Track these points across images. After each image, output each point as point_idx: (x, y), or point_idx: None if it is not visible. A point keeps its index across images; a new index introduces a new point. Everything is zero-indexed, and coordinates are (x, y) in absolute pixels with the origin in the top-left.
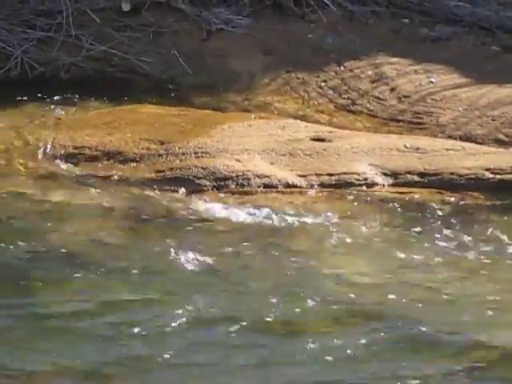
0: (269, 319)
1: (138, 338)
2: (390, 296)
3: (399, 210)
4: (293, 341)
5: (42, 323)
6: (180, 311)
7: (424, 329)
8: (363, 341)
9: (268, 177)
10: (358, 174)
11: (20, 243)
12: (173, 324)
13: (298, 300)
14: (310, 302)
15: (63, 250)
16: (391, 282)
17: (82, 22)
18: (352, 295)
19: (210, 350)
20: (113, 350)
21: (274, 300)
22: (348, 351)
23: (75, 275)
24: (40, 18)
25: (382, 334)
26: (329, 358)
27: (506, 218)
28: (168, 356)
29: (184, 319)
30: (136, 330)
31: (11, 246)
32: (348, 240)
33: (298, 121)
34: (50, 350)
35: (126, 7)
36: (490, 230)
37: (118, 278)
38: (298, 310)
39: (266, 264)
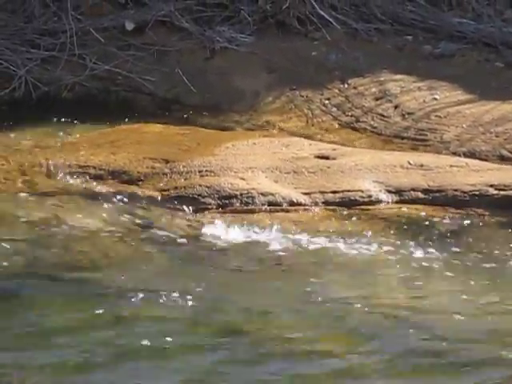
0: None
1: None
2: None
3: (404, 227)
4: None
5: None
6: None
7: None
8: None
9: (272, 195)
10: (363, 192)
11: (21, 262)
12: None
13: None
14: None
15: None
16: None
17: (85, 42)
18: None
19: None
20: None
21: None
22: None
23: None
24: (44, 37)
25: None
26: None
27: (511, 233)
28: None
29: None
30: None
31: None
32: (353, 259)
33: (302, 139)
34: None
35: (129, 26)
36: (495, 246)
37: (120, 296)
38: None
39: (268, 284)
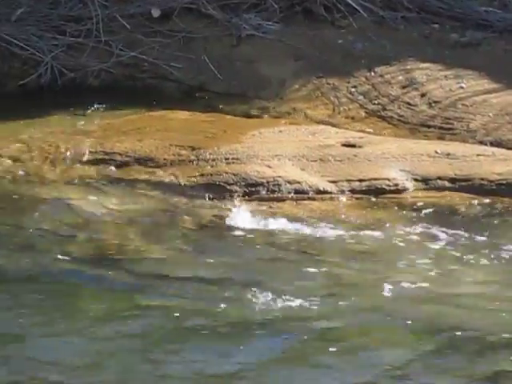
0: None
1: None
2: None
3: (430, 215)
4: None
5: None
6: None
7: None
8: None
9: (299, 183)
10: (389, 180)
11: (55, 248)
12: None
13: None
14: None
15: (93, 254)
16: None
17: (111, 28)
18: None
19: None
20: None
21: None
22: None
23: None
24: (70, 23)
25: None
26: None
27: None
28: None
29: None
30: None
31: (48, 252)
32: (380, 247)
33: (329, 126)
34: None
35: (155, 13)
36: None
37: (147, 283)
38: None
39: (296, 274)
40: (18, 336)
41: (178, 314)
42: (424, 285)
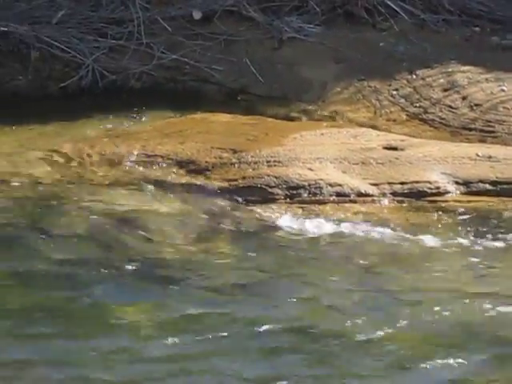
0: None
1: None
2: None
3: (472, 218)
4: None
5: None
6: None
7: None
8: None
9: (340, 185)
10: (431, 183)
11: (99, 250)
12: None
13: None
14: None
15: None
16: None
17: (153, 31)
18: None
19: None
20: None
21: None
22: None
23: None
24: (111, 26)
25: None
26: None
27: None
28: None
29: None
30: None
31: (93, 253)
32: (422, 250)
33: (370, 129)
34: None
35: (197, 15)
36: None
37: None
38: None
39: (343, 280)
40: None
41: (235, 321)
42: (465, 286)
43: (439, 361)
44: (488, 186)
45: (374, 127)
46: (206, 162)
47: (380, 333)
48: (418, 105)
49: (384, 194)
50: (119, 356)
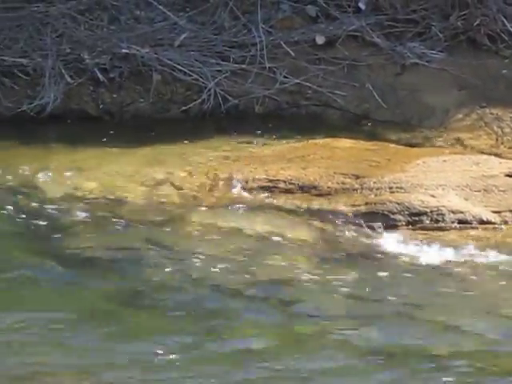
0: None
1: None
2: None
3: None
4: None
5: None
6: None
7: None
8: None
9: (462, 212)
10: None
11: (218, 277)
12: None
13: None
14: None
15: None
16: None
17: (275, 55)
18: None
19: None
20: None
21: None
22: None
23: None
24: (233, 49)
25: None
26: None
27: None
28: None
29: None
30: None
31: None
32: None
33: (492, 157)
34: None
35: (320, 40)
36: None
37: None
38: None
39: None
40: None
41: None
42: None
43: None
44: None
45: (495, 154)
46: (328, 187)
47: None
48: None
49: (506, 222)
50: None
